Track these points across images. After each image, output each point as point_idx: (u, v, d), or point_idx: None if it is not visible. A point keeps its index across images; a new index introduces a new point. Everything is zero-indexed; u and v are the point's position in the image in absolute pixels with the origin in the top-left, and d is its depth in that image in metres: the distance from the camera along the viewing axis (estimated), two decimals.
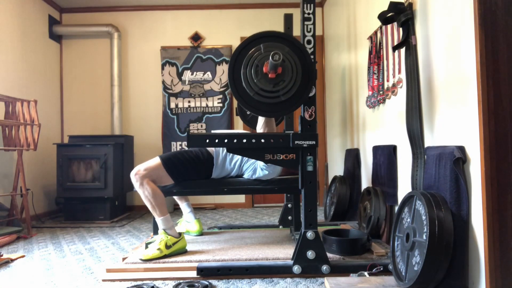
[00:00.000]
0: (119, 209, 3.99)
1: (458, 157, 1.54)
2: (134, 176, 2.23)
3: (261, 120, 2.34)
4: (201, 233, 2.70)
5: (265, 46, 1.77)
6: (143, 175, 2.22)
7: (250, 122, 2.85)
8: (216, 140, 1.89)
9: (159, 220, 2.23)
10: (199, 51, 4.62)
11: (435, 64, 1.83)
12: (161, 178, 2.30)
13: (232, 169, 2.45)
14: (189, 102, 4.60)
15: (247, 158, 2.39)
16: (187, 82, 4.61)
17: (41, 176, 4.03)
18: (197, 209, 4.40)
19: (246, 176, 2.42)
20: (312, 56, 1.90)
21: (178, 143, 4.59)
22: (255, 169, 2.38)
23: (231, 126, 4.57)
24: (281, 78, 1.76)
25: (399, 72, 2.28)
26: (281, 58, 1.68)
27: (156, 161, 2.30)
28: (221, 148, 2.40)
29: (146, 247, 2.18)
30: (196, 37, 4.65)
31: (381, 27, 2.55)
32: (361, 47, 3.04)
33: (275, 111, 1.84)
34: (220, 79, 4.60)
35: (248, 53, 1.78)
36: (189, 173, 2.37)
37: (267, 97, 1.78)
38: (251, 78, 1.76)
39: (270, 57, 1.68)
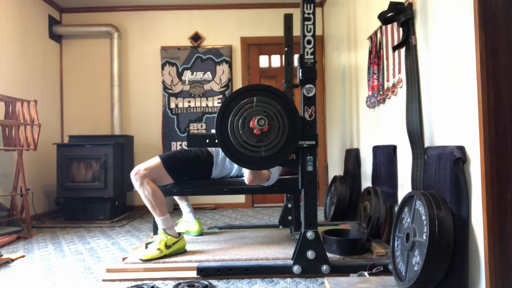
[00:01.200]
0: (119, 209, 3.99)
1: (458, 157, 1.54)
2: (134, 176, 2.23)
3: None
4: (201, 233, 2.70)
5: (258, 100, 1.80)
6: (143, 175, 2.22)
7: None
8: (216, 140, 1.89)
9: (159, 220, 2.23)
10: (199, 51, 4.62)
11: (435, 64, 1.83)
12: (161, 177, 2.30)
13: (232, 169, 2.45)
14: (189, 102, 4.60)
15: None
16: (187, 82, 4.61)
17: (41, 176, 4.03)
18: (197, 209, 4.40)
19: None
20: (312, 56, 1.91)
21: (178, 143, 4.59)
22: None
23: None
24: (266, 136, 1.79)
25: (399, 72, 2.28)
26: (265, 124, 1.74)
27: (156, 160, 2.30)
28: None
29: (146, 247, 2.18)
30: (196, 37, 4.65)
31: (381, 27, 2.55)
32: (361, 47, 3.04)
33: (254, 164, 1.86)
34: (220, 79, 4.60)
35: (240, 103, 1.81)
36: (189, 173, 2.37)
37: (249, 150, 1.81)
38: (237, 128, 1.80)
39: (256, 121, 1.73)
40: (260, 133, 1.78)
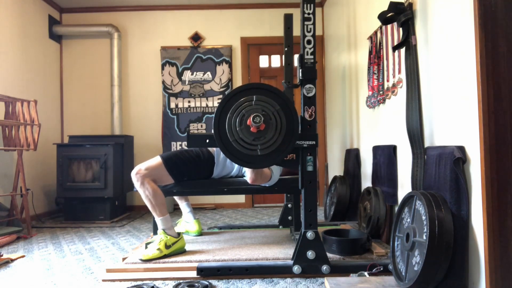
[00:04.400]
0: (119, 209, 3.99)
1: (458, 157, 1.54)
2: (135, 175, 2.23)
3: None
4: (200, 233, 2.70)
5: (257, 98, 1.80)
6: (144, 175, 2.22)
7: None
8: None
9: (158, 220, 2.23)
10: (199, 51, 4.62)
11: (435, 64, 1.83)
12: (162, 177, 2.30)
13: (232, 169, 2.46)
14: (189, 102, 4.60)
15: None
16: (187, 82, 4.61)
17: (41, 176, 4.03)
18: (197, 209, 4.40)
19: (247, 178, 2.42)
20: (312, 56, 1.91)
21: (178, 143, 4.59)
22: None
23: None
24: (262, 134, 1.79)
25: (399, 72, 2.28)
26: (261, 122, 1.75)
27: (157, 160, 2.30)
28: None
29: (146, 247, 2.18)
30: (196, 37, 4.65)
31: (381, 27, 2.55)
32: (361, 47, 3.04)
33: (249, 162, 1.86)
34: (220, 79, 4.60)
35: (240, 100, 1.81)
36: (189, 173, 2.37)
37: (245, 148, 1.81)
38: (234, 125, 1.80)
39: (251, 118, 1.74)
40: (256, 131, 1.78)
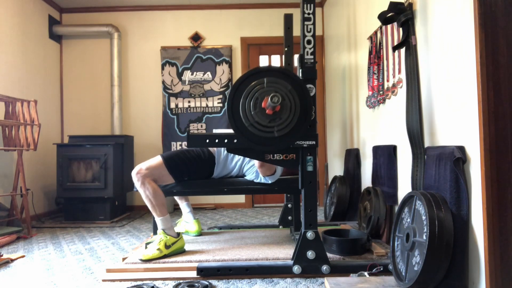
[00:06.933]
0: (119, 209, 3.99)
1: (458, 157, 1.54)
2: (136, 175, 2.23)
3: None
4: (200, 233, 2.70)
5: (268, 80, 1.79)
6: (144, 174, 2.22)
7: None
8: (216, 140, 1.89)
9: (158, 220, 2.23)
10: (199, 51, 4.62)
11: (435, 64, 1.83)
12: (162, 177, 2.30)
13: (233, 169, 2.46)
14: (189, 102, 4.60)
15: (248, 158, 2.39)
16: (187, 82, 4.61)
17: (41, 176, 4.03)
18: (197, 209, 4.40)
19: (248, 178, 2.42)
20: (312, 56, 1.91)
21: (178, 143, 4.59)
22: (258, 175, 2.37)
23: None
24: (278, 116, 1.78)
25: (399, 72, 2.28)
26: (279, 101, 1.72)
27: (157, 160, 2.30)
28: (222, 148, 2.41)
29: (146, 247, 2.18)
30: (196, 37, 4.65)
31: (381, 27, 2.55)
32: (361, 47, 3.04)
33: (267, 144, 1.85)
34: (220, 79, 4.60)
35: (250, 85, 1.80)
36: (190, 173, 2.37)
37: (261, 131, 1.81)
38: (248, 110, 1.79)
39: (269, 98, 1.71)
40: (272, 113, 1.76)
